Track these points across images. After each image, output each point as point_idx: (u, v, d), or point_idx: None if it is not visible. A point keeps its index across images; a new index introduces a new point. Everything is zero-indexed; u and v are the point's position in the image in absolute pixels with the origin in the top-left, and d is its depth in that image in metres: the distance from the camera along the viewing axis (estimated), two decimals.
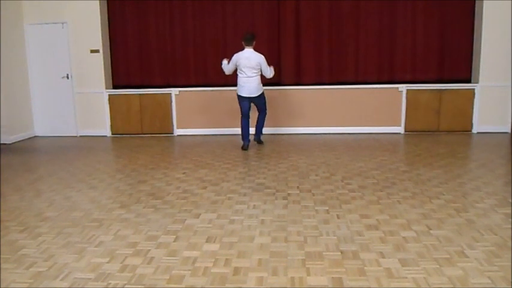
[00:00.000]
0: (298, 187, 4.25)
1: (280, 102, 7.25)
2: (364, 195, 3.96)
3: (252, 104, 6.05)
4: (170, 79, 7.64)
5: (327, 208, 3.63)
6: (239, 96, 5.93)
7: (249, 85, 5.82)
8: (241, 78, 5.84)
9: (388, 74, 7.28)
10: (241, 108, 5.98)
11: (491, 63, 6.83)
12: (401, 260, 2.67)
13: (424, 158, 5.39)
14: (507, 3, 6.69)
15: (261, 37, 7.33)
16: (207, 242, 3.01)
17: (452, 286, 2.36)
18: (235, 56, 5.83)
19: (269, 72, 5.88)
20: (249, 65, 5.73)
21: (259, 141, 6.35)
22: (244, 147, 5.99)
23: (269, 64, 5.97)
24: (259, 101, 6.04)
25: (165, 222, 3.41)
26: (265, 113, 6.22)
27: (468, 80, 7.16)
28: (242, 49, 5.84)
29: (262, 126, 6.30)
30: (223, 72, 6.08)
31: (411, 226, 3.20)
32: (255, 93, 5.88)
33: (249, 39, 5.78)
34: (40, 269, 2.67)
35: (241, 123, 6.02)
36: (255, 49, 5.85)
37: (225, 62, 6.01)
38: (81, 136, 7.68)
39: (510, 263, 2.59)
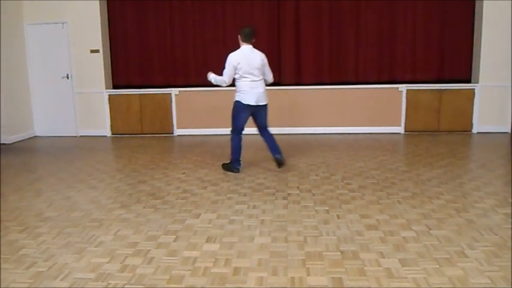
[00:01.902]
0: (298, 187, 4.25)
1: (280, 102, 7.25)
2: (364, 195, 3.96)
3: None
4: (170, 79, 7.64)
5: (327, 208, 3.63)
6: (244, 106, 4.62)
7: (258, 90, 4.62)
8: (246, 83, 4.60)
9: (388, 74, 7.28)
10: (238, 121, 4.69)
11: (491, 63, 6.83)
12: (401, 260, 2.67)
13: (424, 158, 5.38)
14: (507, 3, 6.69)
15: (261, 37, 7.32)
16: (207, 242, 3.01)
17: (452, 286, 2.36)
18: (234, 56, 4.59)
19: (271, 76, 4.84)
20: (255, 66, 4.58)
21: (282, 160, 4.79)
22: (238, 171, 4.83)
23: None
24: (264, 112, 4.75)
25: (165, 222, 3.41)
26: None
27: (468, 80, 7.16)
28: (237, 48, 4.71)
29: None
30: (218, 85, 4.87)
31: (411, 226, 3.20)
32: (264, 101, 4.70)
33: (250, 34, 4.61)
34: (40, 269, 2.67)
35: (235, 143, 4.75)
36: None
37: (212, 75, 4.79)
38: (81, 136, 7.68)
39: (510, 263, 2.59)
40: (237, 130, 4.74)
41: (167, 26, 7.50)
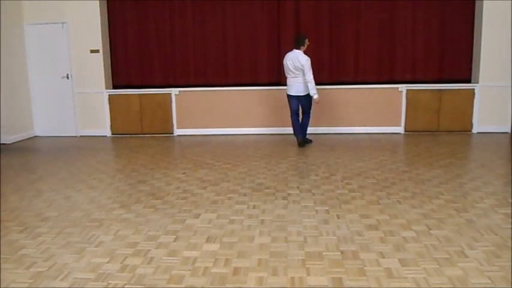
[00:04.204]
0: (298, 187, 4.25)
1: (280, 102, 7.24)
2: (364, 195, 3.96)
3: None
4: (170, 79, 7.64)
5: (327, 208, 3.63)
6: (288, 95, 6.15)
7: (297, 84, 5.99)
8: (289, 79, 6.07)
9: (388, 74, 7.28)
10: (291, 106, 6.17)
11: (491, 63, 6.83)
12: (401, 260, 2.67)
13: (424, 158, 5.38)
14: (507, 3, 6.69)
15: (261, 37, 7.34)
16: (207, 242, 3.01)
17: (452, 286, 2.36)
18: (285, 57, 6.09)
19: (310, 77, 5.83)
20: (291, 67, 5.93)
21: (304, 140, 6.30)
22: (298, 141, 6.22)
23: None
24: (306, 101, 6.11)
25: (165, 222, 3.41)
26: (309, 116, 6.27)
27: (468, 80, 7.16)
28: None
29: (307, 127, 6.32)
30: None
31: (411, 226, 3.20)
32: (302, 92, 6.00)
33: (296, 41, 5.97)
34: (40, 269, 2.67)
35: (292, 121, 6.23)
36: (305, 52, 5.91)
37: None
38: (81, 136, 7.68)
39: (510, 263, 2.59)
40: (292, 112, 6.19)
41: (167, 26, 7.50)
